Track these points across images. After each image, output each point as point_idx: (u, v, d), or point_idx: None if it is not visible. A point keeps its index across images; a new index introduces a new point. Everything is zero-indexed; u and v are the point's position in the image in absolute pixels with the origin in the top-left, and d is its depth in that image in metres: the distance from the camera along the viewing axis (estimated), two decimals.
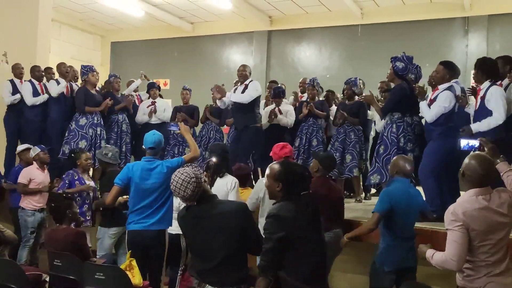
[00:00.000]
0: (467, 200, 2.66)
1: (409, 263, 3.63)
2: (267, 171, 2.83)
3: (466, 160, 2.74)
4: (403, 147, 4.87)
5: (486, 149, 3.00)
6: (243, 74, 6.18)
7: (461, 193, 3.20)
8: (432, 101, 4.63)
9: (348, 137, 6.07)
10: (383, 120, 5.47)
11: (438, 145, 4.51)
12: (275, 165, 2.81)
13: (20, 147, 5.98)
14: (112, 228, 4.71)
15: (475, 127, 4.28)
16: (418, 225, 4.30)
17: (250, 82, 6.12)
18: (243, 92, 6.06)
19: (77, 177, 5.20)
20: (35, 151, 5.60)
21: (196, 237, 2.76)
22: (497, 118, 4.17)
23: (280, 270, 2.63)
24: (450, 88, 4.58)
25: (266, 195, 3.66)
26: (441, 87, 4.63)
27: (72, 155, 5.41)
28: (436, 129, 4.54)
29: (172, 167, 3.89)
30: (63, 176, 5.35)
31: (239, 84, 6.35)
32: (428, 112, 4.60)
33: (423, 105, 4.68)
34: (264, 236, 2.63)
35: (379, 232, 3.71)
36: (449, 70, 4.69)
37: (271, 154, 4.27)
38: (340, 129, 6.16)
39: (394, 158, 3.98)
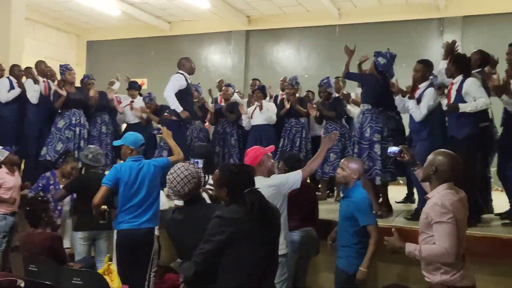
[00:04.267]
0: (446, 193, 2.71)
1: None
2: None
3: (434, 157, 2.81)
4: (369, 137, 4.88)
5: (406, 156, 3.17)
6: None
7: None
8: (418, 101, 4.69)
9: None
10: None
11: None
12: (216, 172, 2.68)
13: None
14: (79, 232, 4.60)
15: (463, 106, 4.32)
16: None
17: None
18: None
19: (53, 181, 5.10)
20: (3, 154, 5.37)
21: (180, 239, 2.73)
22: (483, 101, 4.29)
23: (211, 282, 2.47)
24: (432, 85, 4.71)
25: None
26: (422, 85, 4.73)
27: (62, 157, 5.29)
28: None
29: (159, 166, 4.00)
30: (38, 178, 5.22)
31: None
32: (418, 111, 4.64)
33: (411, 103, 4.70)
34: (204, 237, 2.46)
35: None
36: (428, 67, 4.80)
37: None
38: (324, 129, 6.11)
39: (344, 162, 3.74)
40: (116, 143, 4.21)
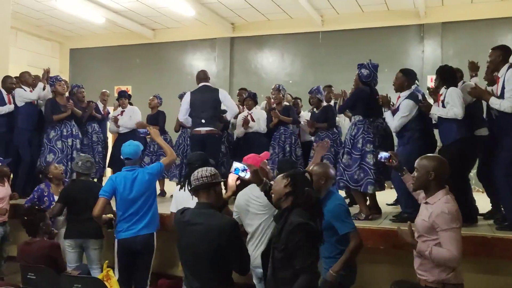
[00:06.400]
0: (447, 199, 2.84)
1: None
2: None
3: (427, 163, 2.91)
4: (362, 148, 4.98)
5: (394, 162, 3.36)
6: None
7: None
8: (395, 110, 4.84)
9: None
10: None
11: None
12: (286, 174, 2.89)
13: None
14: (66, 240, 4.63)
15: (435, 110, 4.59)
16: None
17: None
18: None
19: (47, 193, 5.13)
20: None
21: (184, 241, 2.80)
22: (455, 111, 4.43)
23: None
24: (411, 96, 4.79)
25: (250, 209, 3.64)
26: (403, 94, 4.86)
27: (41, 171, 5.32)
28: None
29: (153, 173, 4.04)
30: (33, 190, 5.24)
31: None
32: (392, 123, 4.82)
33: (388, 115, 4.88)
34: (303, 247, 2.61)
35: None
36: (407, 77, 4.91)
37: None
38: (316, 137, 6.25)
39: (316, 167, 3.61)
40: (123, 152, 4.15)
